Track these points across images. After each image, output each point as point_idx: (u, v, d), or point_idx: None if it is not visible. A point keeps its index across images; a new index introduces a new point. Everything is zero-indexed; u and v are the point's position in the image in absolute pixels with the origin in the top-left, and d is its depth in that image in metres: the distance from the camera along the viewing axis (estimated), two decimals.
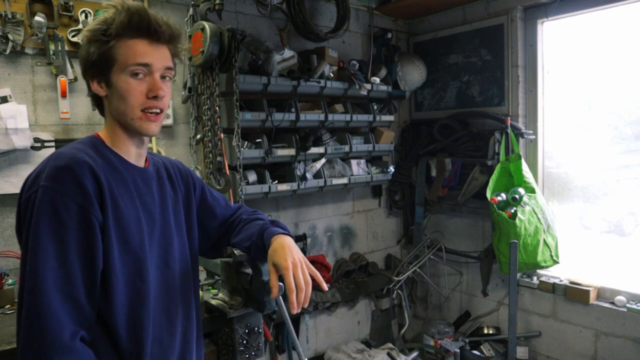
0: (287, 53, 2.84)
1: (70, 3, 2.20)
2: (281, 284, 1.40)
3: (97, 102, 1.22)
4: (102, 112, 1.23)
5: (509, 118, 3.05)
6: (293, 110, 2.84)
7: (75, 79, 2.28)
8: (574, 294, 2.92)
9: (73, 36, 2.24)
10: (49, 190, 1.02)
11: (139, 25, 1.12)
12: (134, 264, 1.14)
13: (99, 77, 1.15)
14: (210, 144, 2.47)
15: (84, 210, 1.04)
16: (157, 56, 1.16)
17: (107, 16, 1.13)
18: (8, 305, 1.98)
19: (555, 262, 2.93)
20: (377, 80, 3.22)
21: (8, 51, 2.09)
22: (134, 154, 1.23)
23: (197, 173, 2.54)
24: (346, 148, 3.11)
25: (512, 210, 2.84)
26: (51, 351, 0.96)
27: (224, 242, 1.50)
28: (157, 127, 1.19)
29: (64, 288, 1.00)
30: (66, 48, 2.21)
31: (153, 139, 2.58)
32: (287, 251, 1.26)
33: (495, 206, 2.86)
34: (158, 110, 1.18)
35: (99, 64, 1.13)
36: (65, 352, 0.98)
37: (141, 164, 1.26)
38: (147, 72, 1.15)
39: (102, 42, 1.11)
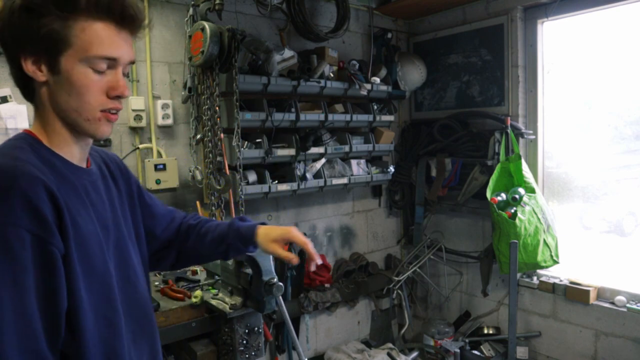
0: (287, 53, 2.84)
1: None
2: (280, 283, 1.40)
3: (24, 85, 0.95)
4: (30, 99, 0.97)
5: (509, 118, 3.05)
6: (293, 110, 2.84)
7: None
8: (574, 294, 2.92)
9: None
10: None
11: (111, 5, 0.90)
12: (102, 292, 0.96)
13: (38, 57, 0.90)
14: (210, 144, 2.48)
15: (42, 241, 0.83)
16: (125, 48, 0.94)
17: None
18: None
19: (555, 262, 2.93)
20: (377, 80, 3.22)
21: None
22: (77, 155, 1.00)
23: (197, 173, 2.54)
24: (346, 148, 3.11)
25: (512, 210, 2.84)
26: None
27: (171, 250, 1.30)
28: (111, 129, 0.99)
29: (23, 343, 0.81)
30: None
31: (153, 139, 2.58)
32: (281, 227, 1.24)
33: (495, 206, 2.86)
34: (115, 111, 0.97)
35: (44, 42, 0.88)
36: None
37: (84, 164, 1.03)
38: (111, 66, 0.93)
39: (54, 16, 0.87)
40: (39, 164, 0.89)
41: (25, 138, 0.95)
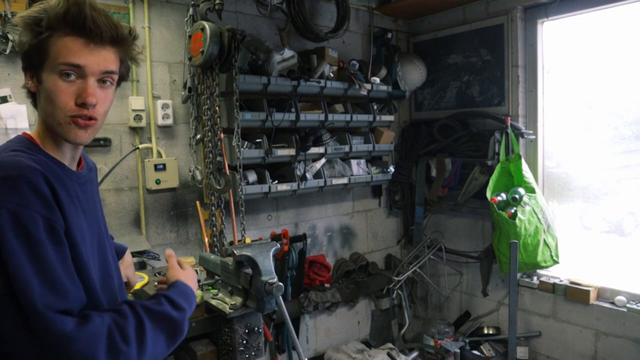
0: (287, 53, 2.84)
1: None
2: (280, 283, 1.40)
3: (32, 97, 1.10)
4: (37, 108, 1.11)
5: (509, 118, 3.05)
6: (293, 110, 2.84)
7: None
8: (574, 294, 2.92)
9: None
10: (10, 205, 0.91)
11: (74, 21, 0.99)
12: (98, 261, 1.13)
13: (31, 71, 1.05)
14: (210, 144, 2.48)
15: (49, 221, 0.95)
16: (94, 59, 1.02)
17: (46, 4, 1.01)
18: None
19: (555, 262, 2.93)
20: (377, 80, 3.22)
21: (8, 51, 2.10)
22: (68, 157, 1.11)
23: (197, 173, 2.54)
24: (346, 148, 3.11)
25: (512, 210, 2.84)
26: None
27: None
28: (87, 135, 1.06)
29: (57, 302, 0.94)
30: None
31: (153, 139, 2.58)
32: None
33: (495, 206, 2.86)
34: (85, 117, 1.04)
35: (31, 57, 1.03)
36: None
37: (74, 167, 1.15)
38: (80, 75, 1.02)
39: (35, 33, 1.00)
40: (36, 161, 1.01)
41: (22, 140, 1.08)
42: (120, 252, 1.51)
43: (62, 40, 1.00)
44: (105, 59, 1.04)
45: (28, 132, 1.11)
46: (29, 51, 1.02)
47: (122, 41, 1.07)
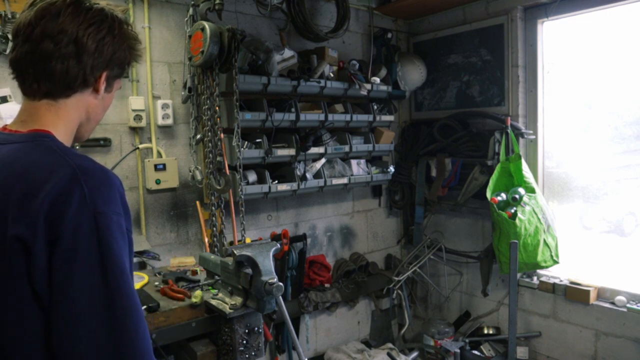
0: (287, 53, 2.84)
1: None
2: (280, 283, 1.40)
3: (69, 86, 0.99)
4: (64, 96, 0.99)
5: (509, 118, 3.05)
6: (293, 110, 2.84)
7: None
8: (574, 294, 2.92)
9: None
10: (113, 215, 0.88)
11: (137, 58, 1.11)
12: None
13: (112, 76, 1.04)
14: (210, 144, 2.48)
15: (130, 233, 0.94)
16: None
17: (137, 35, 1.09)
18: None
19: (555, 262, 2.93)
20: (377, 80, 3.22)
21: (8, 51, 2.10)
22: None
23: (197, 173, 2.54)
24: (346, 148, 3.11)
25: (512, 210, 2.84)
26: None
27: None
28: None
29: (142, 322, 0.91)
30: None
31: (153, 139, 2.59)
32: None
33: (495, 206, 2.86)
34: None
35: (123, 67, 1.06)
36: None
37: None
38: None
39: (135, 50, 1.06)
40: None
41: (54, 138, 0.97)
42: None
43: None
44: None
45: None
46: (127, 63, 1.06)
47: None
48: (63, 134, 0.99)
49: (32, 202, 0.83)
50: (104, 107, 1.07)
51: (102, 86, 1.02)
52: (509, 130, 3.02)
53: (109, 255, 0.85)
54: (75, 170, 0.87)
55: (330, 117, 3.00)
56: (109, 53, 1.00)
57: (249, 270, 1.73)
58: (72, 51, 0.95)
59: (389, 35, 3.48)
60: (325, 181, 3.00)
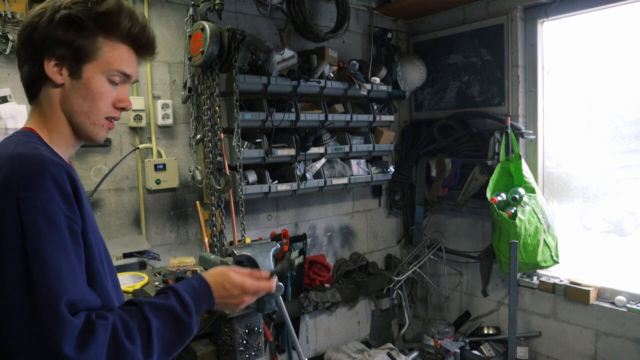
0: (287, 53, 2.84)
1: None
2: (280, 283, 1.40)
3: (32, 84, 1.04)
4: (32, 98, 1.06)
5: (509, 118, 3.05)
6: (293, 110, 2.84)
7: None
8: (574, 294, 2.92)
9: None
10: (37, 201, 0.88)
11: (139, 37, 1.07)
12: (102, 290, 1.03)
13: (62, 62, 1.00)
14: (210, 144, 2.48)
15: (69, 219, 0.92)
16: (136, 69, 1.11)
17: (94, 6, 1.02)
18: None
19: (555, 262, 2.93)
20: (377, 80, 3.22)
21: (8, 51, 2.10)
22: (69, 155, 1.10)
23: (197, 173, 2.54)
24: (346, 148, 3.11)
25: (512, 210, 2.84)
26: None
27: None
28: (105, 136, 1.12)
29: (76, 290, 0.91)
30: None
31: (153, 139, 2.59)
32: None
33: (495, 206, 2.86)
34: (115, 120, 1.11)
35: (76, 51, 1.00)
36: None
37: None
38: (122, 81, 1.07)
39: (92, 32, 1.01)
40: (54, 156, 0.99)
41: (30, 134, 1.02)
42: None
43: (118, 47, 1.04)
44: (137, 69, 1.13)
45: None
46: (80, 46, 1.00)
47: (148, 58, 1.14)
48: (51, 132, 1.04)
49: None
50: (83, 96, 1.02)
51: (56, 74, 1.01)
52: (509, 130, 3.02)
53: (27, 239, 0.87)
54: (12, 158, 0.92)
55: (330, 117, 3.00)
56: (39, 38, 1.00)
57: None
58: (23, 53, 1.04)
59: (389, 35, 3.48)
60: (325, 181, 3.00)
